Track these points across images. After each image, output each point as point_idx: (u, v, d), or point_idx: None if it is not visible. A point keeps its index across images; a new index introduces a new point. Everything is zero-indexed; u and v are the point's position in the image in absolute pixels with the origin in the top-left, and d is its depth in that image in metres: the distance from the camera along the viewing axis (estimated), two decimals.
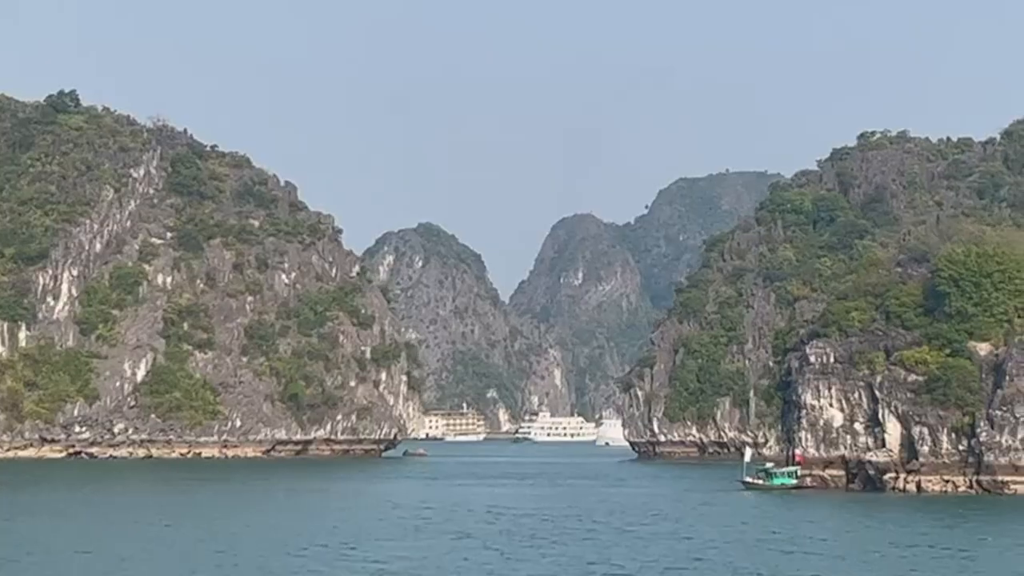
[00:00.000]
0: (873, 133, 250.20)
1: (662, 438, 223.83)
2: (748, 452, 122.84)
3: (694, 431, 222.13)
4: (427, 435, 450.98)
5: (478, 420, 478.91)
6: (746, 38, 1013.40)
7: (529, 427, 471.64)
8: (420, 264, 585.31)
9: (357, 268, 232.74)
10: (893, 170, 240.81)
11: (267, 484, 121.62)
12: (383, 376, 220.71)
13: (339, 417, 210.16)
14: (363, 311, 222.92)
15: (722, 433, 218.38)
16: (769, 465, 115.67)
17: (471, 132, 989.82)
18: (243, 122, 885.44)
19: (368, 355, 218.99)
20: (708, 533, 69.88)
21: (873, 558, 59.19)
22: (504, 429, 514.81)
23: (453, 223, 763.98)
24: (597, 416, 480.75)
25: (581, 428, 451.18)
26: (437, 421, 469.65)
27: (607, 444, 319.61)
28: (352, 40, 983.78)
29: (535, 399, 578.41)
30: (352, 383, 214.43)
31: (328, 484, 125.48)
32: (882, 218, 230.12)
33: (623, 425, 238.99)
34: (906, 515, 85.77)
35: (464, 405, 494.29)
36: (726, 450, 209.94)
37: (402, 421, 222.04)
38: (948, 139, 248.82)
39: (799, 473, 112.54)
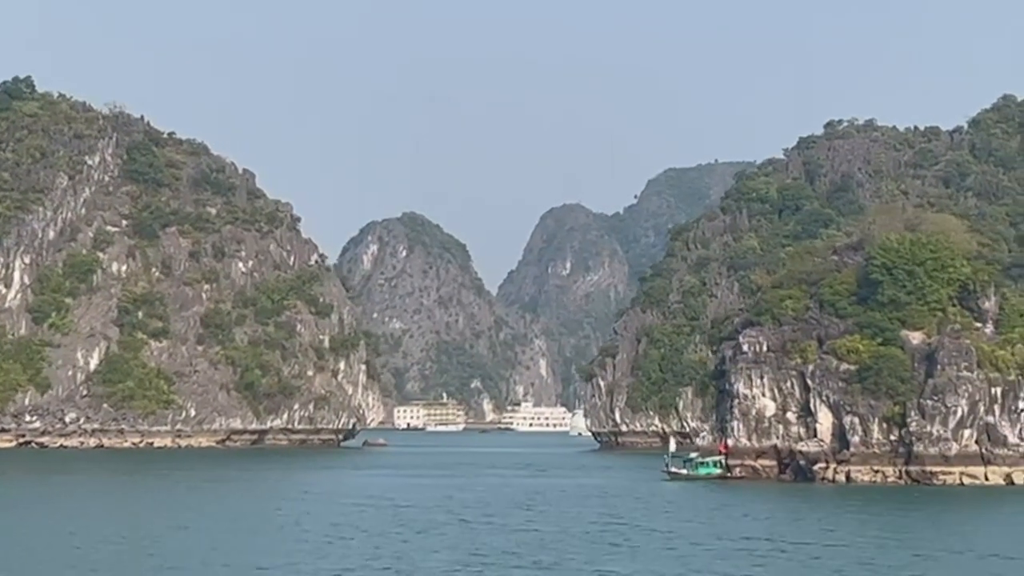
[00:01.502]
0: (840, 122, 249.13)
1: (624, 428, 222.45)
2: (673, 442, 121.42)
3: (656, 421, 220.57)
4: (408, 424, 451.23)
5: (458, 410, 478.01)
6: (734, 30, 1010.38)
7: (511, 417, 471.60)
8: (404, 253, 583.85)
9: (316, 256, 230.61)
10: (859, 159, 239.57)
11: (183, 475, 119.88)
12: (342, 365, 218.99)
13: (296, 406, 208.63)
14: (322, 300, 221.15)
15: (684, 423, 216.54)
16: (694, 455, 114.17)
17: (461, 122, 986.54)
18: (226, 113, 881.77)
19: (326, 344, 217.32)
20: (555, 526, 68.46)
21: (673, 553, 57.82)
22: (488, 419, 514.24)
23: (442, 213, 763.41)
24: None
25: (564, 418, 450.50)
26: (418, 411, 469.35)
27: (580, 434, 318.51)
28: (333, 25, 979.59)
29: (520, 389, 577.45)
30: (310, 372, 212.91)
31: (247, 474, 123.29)
32: (847, 207, 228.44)
33: (584, 415, 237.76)
34: (788, 505, 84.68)
35: (444, 395, 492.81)
36: (688, 440, 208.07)
37: (361, 411, 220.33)
38: (915, 128, 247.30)
39: (723, 462, 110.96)
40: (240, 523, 70.24)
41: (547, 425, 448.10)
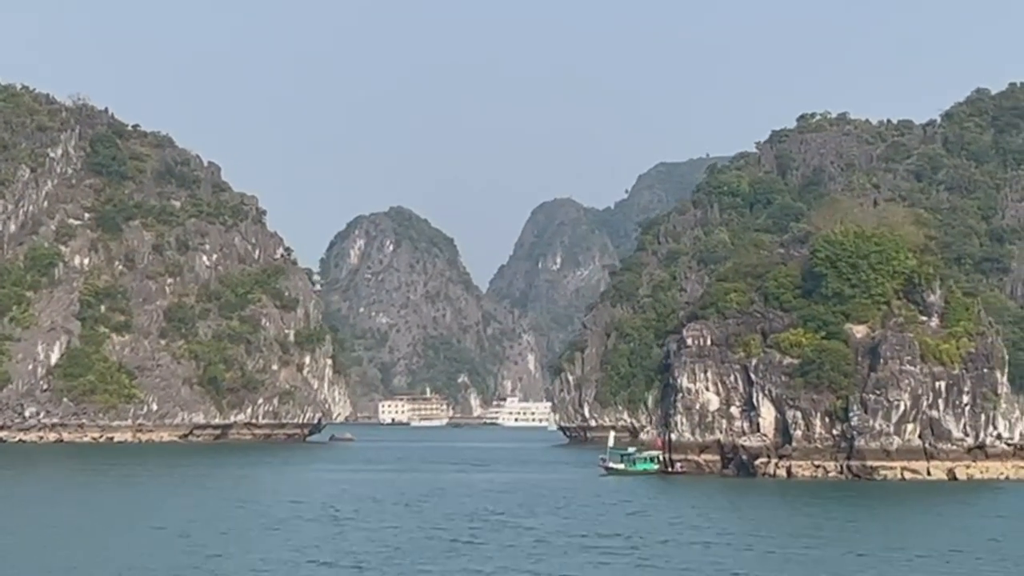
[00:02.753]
0: (813, 115, 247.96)
1: (593, 423, 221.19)
2: (611, 437, 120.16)
3: (625, 416, 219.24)
4: (393, 419, 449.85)
5: (441, 405, 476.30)
6: (725, 26, 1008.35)
7: (497, 412, 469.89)
8: (391, 248, 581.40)
9: (281, 250, 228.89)
10: (832, 152, 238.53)
11: (113, 470, 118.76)
12: (307, 360, 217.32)
13: (260, 401, 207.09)
14: (287, 293, 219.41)
15: (653, 418, 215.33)
16: (631, 450, 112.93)
17: (453, 118, 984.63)
18: (213, 108, 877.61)
19: (292, 338, 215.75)
20: (423, 523, 67.45)
21: (513, 550, 56.61)
22: (476, 414, 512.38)
23: (432, 208, 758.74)
24: None
25: (549, 414, 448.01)
26: (403, 406, 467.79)
27: (558, 428, 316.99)
28: (323, 18, 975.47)
29: (508, 384, 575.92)
30: (275, 366, 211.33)
31: (181, 470, 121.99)
32: (819, 201, 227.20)
33: (553, 410, 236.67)
34: (698, 501, 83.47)
35: (427, 390, 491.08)
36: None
37: (327, 405, 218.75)
38: (888, 121, 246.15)
39: (660, 457, 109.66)
40: (104, 520, 69.34)
41: (533, 420, 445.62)
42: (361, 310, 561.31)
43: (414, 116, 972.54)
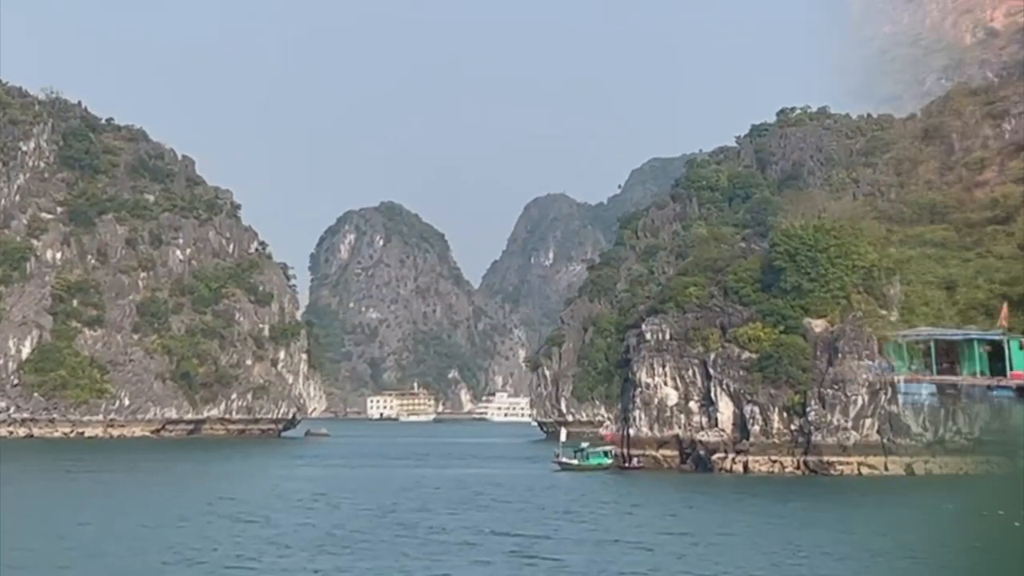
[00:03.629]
0: (793, 109, 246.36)
1: (570, 418, 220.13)
2: (564, 432, 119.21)
3: (602, 411, 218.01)
4: (381, 415, 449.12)
5: (429, 400, 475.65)
6: (716, 21, 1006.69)
7: (486, 408, 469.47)
8: (381, 243, 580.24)
9: (256, 244, 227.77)
10: (811, 147, 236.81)
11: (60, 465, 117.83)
12: (281, 355, 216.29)
13: (234, 396, 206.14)
14: (261, 288, 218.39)
15: (613, 412, 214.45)
16: (584, 445, 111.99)
17: (445, 114, 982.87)
18: (206, 104, 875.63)
19: (266, 333, 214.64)
20: (322, 520, 66.63)
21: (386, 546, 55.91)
22: (466, 410, 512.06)
23: (424, 204, 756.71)
24: None
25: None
26: (391, 401, 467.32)
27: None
28: (309, 13, 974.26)
29: (499, 379, 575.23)
30: (248, 361, 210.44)
31: (132, 466, 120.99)
32: (798, 195, 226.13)
33: (530, 405, 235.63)
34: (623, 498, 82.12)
35: (415, 385, 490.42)
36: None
37: (302, 400, 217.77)
38: (868, 116, 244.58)
39: (613, 452, 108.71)
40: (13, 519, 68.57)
41: (522, 415, 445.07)
42: (351, 305, 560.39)
43: (405, 111, 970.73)
